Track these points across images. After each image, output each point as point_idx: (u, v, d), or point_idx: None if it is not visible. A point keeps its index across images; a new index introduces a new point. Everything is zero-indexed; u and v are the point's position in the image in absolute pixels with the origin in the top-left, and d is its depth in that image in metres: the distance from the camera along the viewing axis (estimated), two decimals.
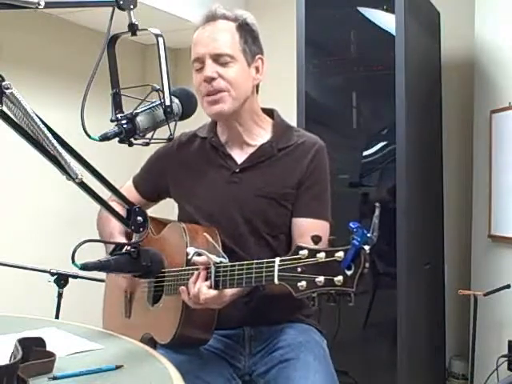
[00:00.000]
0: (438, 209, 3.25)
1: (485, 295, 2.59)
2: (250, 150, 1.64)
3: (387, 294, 2.78)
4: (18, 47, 3.24)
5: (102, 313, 1.85)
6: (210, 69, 1.55)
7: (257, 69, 1.63)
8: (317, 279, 1.13)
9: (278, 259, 1.22)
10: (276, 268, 1.21)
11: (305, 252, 1.16)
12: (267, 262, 1.25)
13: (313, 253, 1.15)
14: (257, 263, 1.28)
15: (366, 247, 1.10)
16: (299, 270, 1.16)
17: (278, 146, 1.63)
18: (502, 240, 2.85)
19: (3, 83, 0.98)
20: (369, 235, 1.09)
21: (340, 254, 1.12)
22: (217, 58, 1.55)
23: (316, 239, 1.17)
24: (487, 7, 3.00)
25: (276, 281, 1.21)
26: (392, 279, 2.68)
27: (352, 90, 2.97)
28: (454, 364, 3.31)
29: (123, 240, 1.57)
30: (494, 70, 2.96)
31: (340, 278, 1.10)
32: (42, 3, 1.02)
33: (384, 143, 2.90)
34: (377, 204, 1.10)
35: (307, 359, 1.49)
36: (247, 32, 1.60)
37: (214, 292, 1.36)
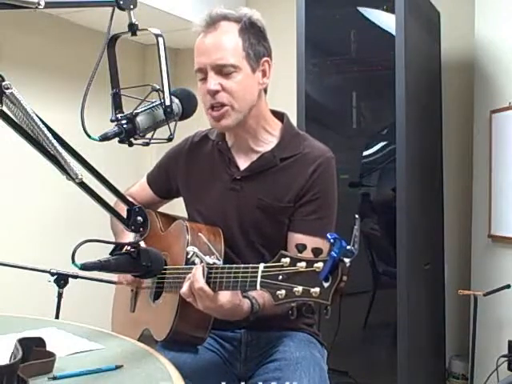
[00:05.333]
0: (438, 209, 3.25)
1: (485, 295, 2.59)
2: (254, 157, 1.60)
3: (387, 294, 2.78)
4: (18, 47, 3.25)
5: (112, 306, 1.87)
6: (213, 81, 1.50)
7: (263, 72, 1.57)
8: (295, 289, 1.10)
9: (262, 265, 1.20)
10: (259, 274, 1.19)
11: (287, 260, 1.13)
12: (252, 267, 1.22)
13: (294, 261, 1.12)
14: (243, 267, 1.26)
15: (346, 260, 1.05)
16: (280, 277, 1.13)
17: (280, 156, 1.57)
18: (502, 240, 2.85)
19: (3, 83, 0.98)
20: (348, 247, 1.05)
21: (319, 265, 1.08)
22: (220, 69, 1.50)
23: (301, 248, 1.13)
24: (487, 7, 3.00)
25: (258, 287, 1.19)
26: (392, 279, 2.68)
27: (352, 90, 2.97)
28: (454, 364, 3.30)
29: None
30: (494, 70, 2.96)
31: (317, 289, 1.07)
32: (42, 3, 1.02)
33: (384, 143, 2.91)
34: (356, 216, 1.06)
35: (301, 381, 1.43)
36: (251, 33, 1.53)
37: (206, 286, 1.32)
